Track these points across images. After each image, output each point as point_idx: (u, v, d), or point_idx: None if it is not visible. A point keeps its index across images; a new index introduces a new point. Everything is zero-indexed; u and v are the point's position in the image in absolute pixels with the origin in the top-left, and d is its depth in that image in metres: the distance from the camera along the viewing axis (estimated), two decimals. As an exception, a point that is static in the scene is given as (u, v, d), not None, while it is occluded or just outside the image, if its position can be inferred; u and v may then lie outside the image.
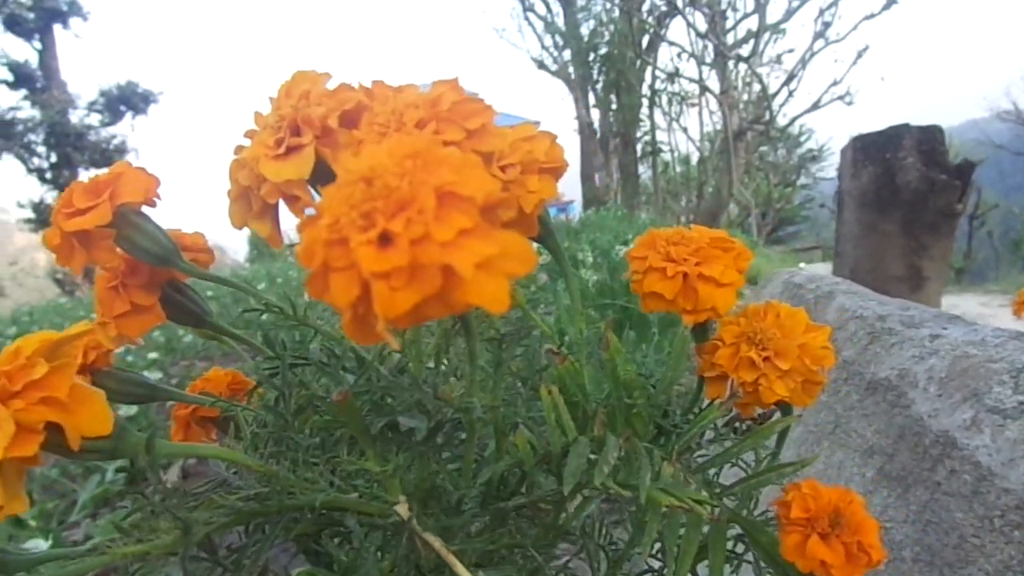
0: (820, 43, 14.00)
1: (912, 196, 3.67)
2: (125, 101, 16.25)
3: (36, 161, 15.29)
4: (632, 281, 0.54)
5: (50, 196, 15.57)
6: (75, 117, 15.58)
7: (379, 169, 0.27)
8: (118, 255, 0.48)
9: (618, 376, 0.51)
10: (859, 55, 13.98)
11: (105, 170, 0.47)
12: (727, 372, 0.53)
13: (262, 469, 0.42)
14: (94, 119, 16.08)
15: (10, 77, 15.15)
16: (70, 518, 1.93)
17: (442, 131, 0.39)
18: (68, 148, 15.11)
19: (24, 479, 0.35)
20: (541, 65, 16.50)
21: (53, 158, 15.30)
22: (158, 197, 0.47)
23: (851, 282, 1.12)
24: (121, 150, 16.16)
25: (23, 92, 15.36)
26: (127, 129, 16.78)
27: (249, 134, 0.45)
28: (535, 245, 0.52)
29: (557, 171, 0.48)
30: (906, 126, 3.81)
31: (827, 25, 13.86)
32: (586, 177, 16.09)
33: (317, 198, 0.44)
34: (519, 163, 0.46)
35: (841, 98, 14.22)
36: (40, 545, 1.10)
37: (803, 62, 14.33)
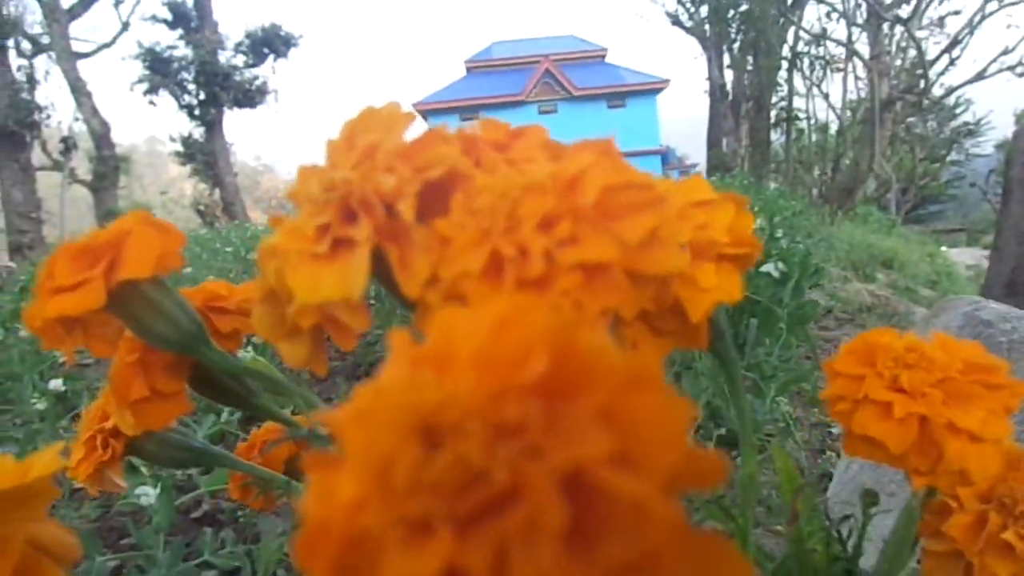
0: (993, 4, 12.61)
1: (1094, 191, 3.27)
2: (268, 44, 16.97)
3: (187, 98, 16.35)
4: (833, 408, 0.37)
5: (197, 132, 16.67)
6: (222, 58, 16.48)
7: (453, 411, 0.13)
8: (124, 338, 0.37)
9: (807, 560, 0.38)
10: (1039, 20, 12.47)
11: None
12: (963, 551, 0.36)
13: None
14: (239, 60, 16.96)
15: (169, 16, 16.16)
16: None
17: (581, 239, 0.24)
18: (215, 87, 16.03)
19: None
20: (676, 21, 15.81)
21: (201, 96, 16.31)
22: (178, 260, 0.34)
23: None
24: (263, 91, 16.97)
25: (179, 31, 16.38)
26: (268, 71, 17.60)
27: (292, 195, 0.30)
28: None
29: (745, 260, 0.32)
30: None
31: (1004, -16, 12.43)
32: (713, 141, 15.47)
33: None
34: (688, 244, 0.30)
35: (1012, 68, 12.80)
36: (149, 492, 1.16)
37: (970, 26, 12.96)
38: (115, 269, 0.32)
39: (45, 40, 13.19)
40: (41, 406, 1.60)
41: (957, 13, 13.57)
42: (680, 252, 0.25)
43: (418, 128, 0.29)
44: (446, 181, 0.27)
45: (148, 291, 0.34)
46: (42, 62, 13.88)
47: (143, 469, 1.22)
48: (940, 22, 13.74)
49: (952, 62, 13.47)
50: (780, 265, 2.35)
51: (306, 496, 0.14)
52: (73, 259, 0.32)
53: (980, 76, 13.18)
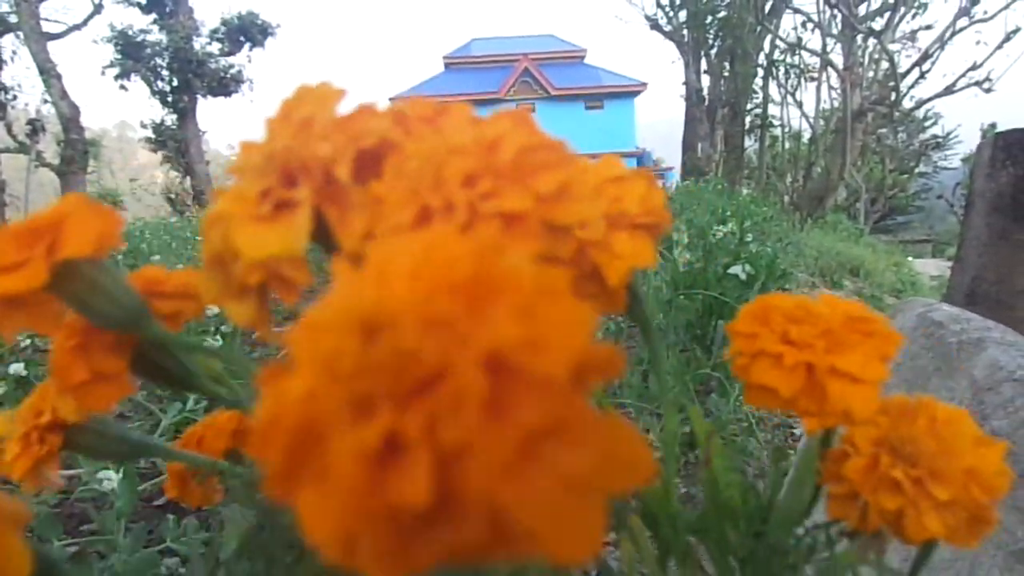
0: (963, 21, 12.90)
1: (1056, 205, 3.36)
2: (244, 32, 16.72)
3: (160, 84, 16.02)
4: (734, 364, 0.40)
5: (170, 119, 16.38)
6: (197, 44, 16.18)
7: (390, 311, 0.15)
8: (66, 319, 0.37)
9: (720, 498, 0.41)
10: (1007, 37, 12.81)
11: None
12: (859, 491, 0.39)
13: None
14: (214, 48, 16.67)
15: (143, 0, 15.85)
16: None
17: (500, 193, 0.27)
18: (189, 74, 15.74)
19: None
20: (655, 25, 15.96)
21: (175, 83, 16.01)
22: (117, 242, 0.35)
23: (1007, 328, 0.94)
24: (237, 79, 16.71)
25: (153, 16, 16.06)
26: (244, 60, 17.29)
27: (233, 170, 0.32)
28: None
29: (655, 228, 0.34)
30: (1059, 126, 3.47)
31: (974, 1, 12.72)
32: (688, 146, 15.62)
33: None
34: (604, 216, 0.33)
35: (979, 83, 13.10)
36: (111, 477, 1.15)
37: (941, 41, 13.25)
38: (56, 248, 0.32)
39: (13, 19, 12.85)
40: (1, 390, 1.58)
41: (929, 28, 13.88)
42: (588, 204, 0.29)
43: (349, 104, 0.32)
44: (378, 149, 0.30)
45: (88, 271, 0.35)
46: (9, 42, 13.56)
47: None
48: (912, 36, 14.04)
49: (923, 75, 13.76)
50: (747, 267, 2.39)
51: (259, 402, 0.16)
52: (14, 239, 0.33)
53: (949, 90, 13.48)
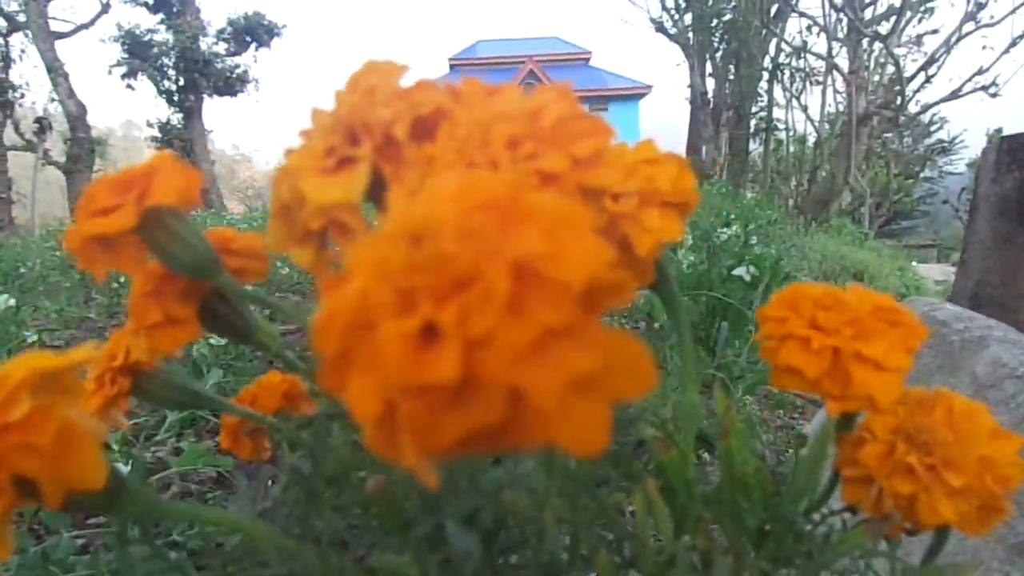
0: (970, 25, 12.88)
1: (1061, 209, 3.35)
2: (250, 32, 16.74)
3: (166, 84, 16.04)
4: (764, 347, 0.42)
5: (175, 118, 16.42)
6: (203, 44, 16.20)
7: (435, 224, 0.18)
8: (147, 262, 0.41)
9: (735, 472, 0.42)
10: (1013, 42, 12.78)
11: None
12: (874, 476, 0.41)
13: (283, 550, 0.38)
14: (221, 48, 16.69)
15: (151, 0, 15.90)
16: (157, 436, 2.05)
17: (540, 155, 0.30)
18: (195, 74, 15.76)
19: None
20: (660, 27, 15.95)
21: (181, 82, 16.04)
22: (198, 198, 0.39)
23: (1009, 327, 0.95)
24: (243, 79, 16.73)
25: (160, 16, 16.10)
26: (250, 60, 17.31)
27: (303, 133, 0.36)
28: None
29: (685, 208, 0.37)
30: (1064, 131, 3.47)
31: (981, 6, 12.70)
32: (693, 149, 15.61)
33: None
34: (637, 192, 0.36)
35: (985, 88, 13.08)
36: (120, 469, 1.17)
37: (947, 45, 13.23)
38: (145, 196, 0.37)
39: (21, 18, 12.91)
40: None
41: (935, 32, 13.86)
42: (620, 170, 0.32)
43: (410, 79, 0.35)
44: (434, 118, 0.33)
45: (171, 219, 0.39)
46: (17, 40, 13.61)
47: (114, 446, 1.22)
48: (918, 40, 14.02)
49: (928, 80, 13.74)
50: (751, 270, 2.40)
51: (320, 303, 0.19)
52: (111, 187, 0.38)
53: (955, 95, 13.45)
